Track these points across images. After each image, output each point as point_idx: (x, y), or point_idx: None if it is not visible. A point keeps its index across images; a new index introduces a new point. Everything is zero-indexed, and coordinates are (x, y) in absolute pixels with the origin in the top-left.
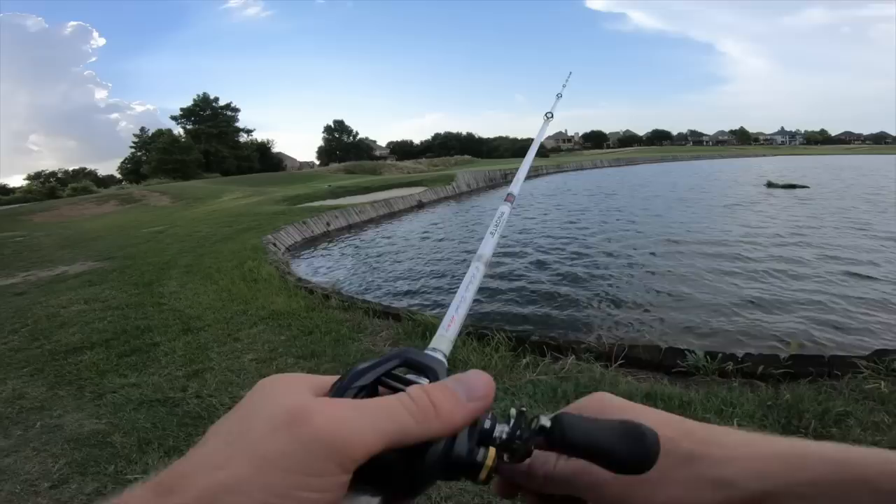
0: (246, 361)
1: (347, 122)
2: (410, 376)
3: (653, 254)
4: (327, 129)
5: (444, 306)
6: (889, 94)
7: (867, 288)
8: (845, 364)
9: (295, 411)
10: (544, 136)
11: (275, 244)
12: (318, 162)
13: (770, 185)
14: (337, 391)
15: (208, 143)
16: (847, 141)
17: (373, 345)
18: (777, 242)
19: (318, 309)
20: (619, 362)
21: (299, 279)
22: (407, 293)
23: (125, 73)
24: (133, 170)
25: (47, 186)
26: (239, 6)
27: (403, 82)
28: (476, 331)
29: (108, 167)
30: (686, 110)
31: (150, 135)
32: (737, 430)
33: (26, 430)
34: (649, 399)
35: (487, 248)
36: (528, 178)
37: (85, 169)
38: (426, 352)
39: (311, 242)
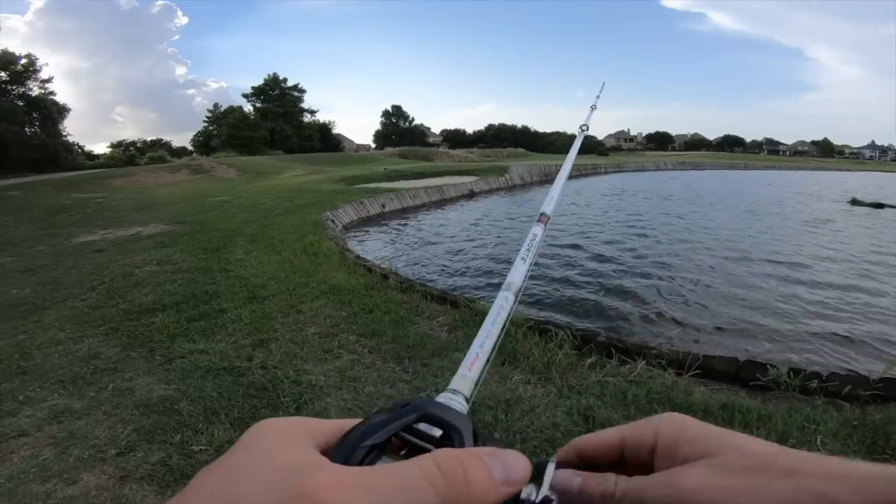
0: (309, 334)
1: (404, 108)
2: (424, 426)
3: (721, 263)
4: (385, 114)
5: (489, 295)
6: None
7: None
8: None
9: (297, 486)
10: (576, 150)
11: (333, 221)
12: (374, 145)
13: (854, 202)
14: (344, 449)
15: (274, 121)
16: None
17: (430, 329)
18: (858, 263)
19: (376, 288)
20: (692, 372)
21: (358, 257)
22: (457, 279)
23: (203, 50)
24: (204, 143)
25: (127, 154)
26: None
27: (460, 71)
28: (538, 325)
29: (181, 139)
30: (763, 117)
31: (221, 111)
32: (830, 457)
33: (99, 391)
34: (725, 410)
35: (518, 275)
36: (587, 175)
37: (161, 140)
38: (446, 395)
39: (366, 222)
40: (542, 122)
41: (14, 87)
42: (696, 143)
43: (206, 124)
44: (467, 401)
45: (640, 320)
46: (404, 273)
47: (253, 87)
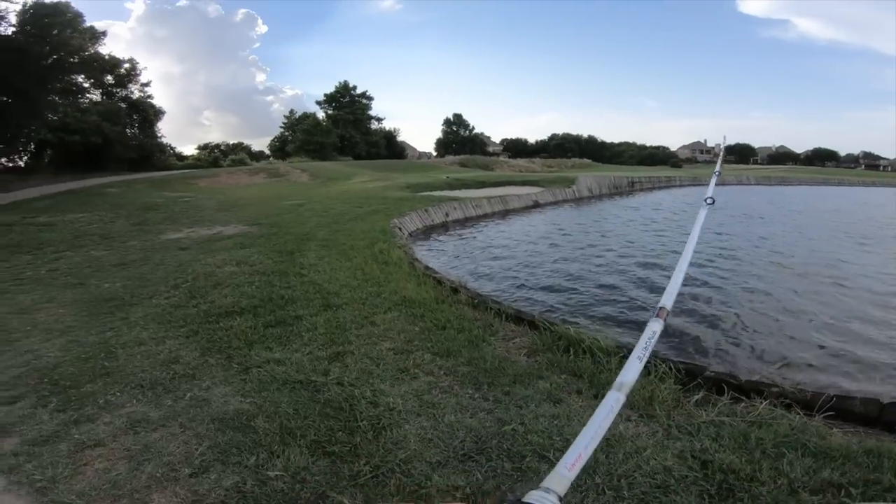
0: (384, 350)
1: (464, 117)
2: None
3: (824, 291)
4: (446, 122)
5: (566, 317)
6: None
7: None
8: None
9: None
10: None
11: (400, 228)
12: (435, 153)
13: None
14: None
15: (344, 128)
16: None
17: (507, 352)
18: None
19: (447, 302)
20: (824, 413)
21: (427, 267)
22: (527, 296)
23: (279, 58)
24: (280, 147)
25: (212, 156)
26: None
27: (522, 79)
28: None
29: (260, 143)
30: (859, 129)
31: (296, 117)
32: None
33: (176, 400)
34: (870, 456)
35: (631, 374)
36: (657, 188)
37: (242, 143)
38: (539, 493)
39: (430, 230)
40: (609, 131)
41: (118, 90)
42: (781, 157)
43: (282, 129)
44: (560, 501)
45: (736, 353)
46: (473, 286)
47: (325, 95)
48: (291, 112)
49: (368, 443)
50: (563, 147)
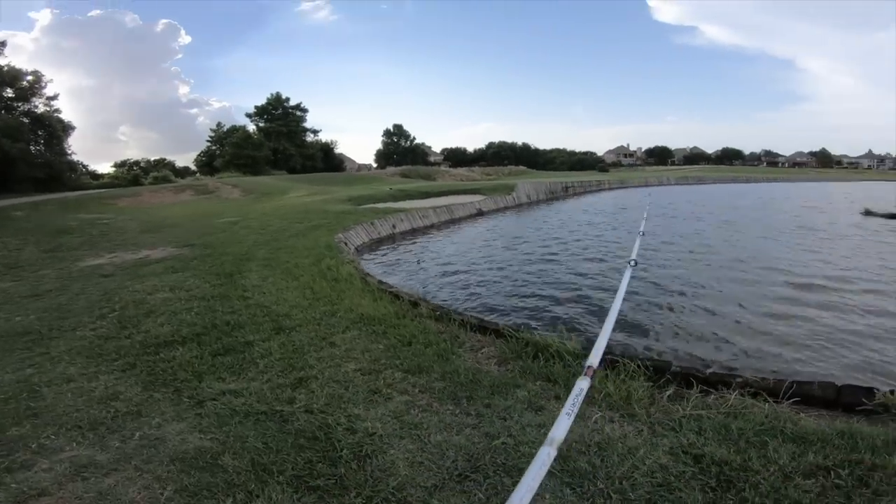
0: (350, 371)
1: (405, 128)
2: None
3: (750, 283)
4: (386, 133)
5: (528, 322)
6: None
7: None
8: None
9: None
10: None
11: (346, 243)
12: (375, 165)
13: (868, 213)
14: None
15: (277, 141)
16: None
17: (477, 363)
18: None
19: (408, 316)
20: (789, 399)
21: (381, 282)
22: (485, 304)
23: (205, 70)
24: (207, 162)
25: (131, 174)
26: (310, 9)
27: (460, 90)
28: (603, 356)
29: (184, 159)
30: (760, 129)
31: (224, 130)
32: None
33: (124, 441)
34: (844, 438)
35: (560, 430)
36: (588, 192)
37: (165, 159)
38: None
39: (377, 243)
40: (542, 138)
41: (20, 104)
42: (694, 157)
43: (209, 144)
44: None
45: (686, 346)
46: (431, 298)
47: (256, 107)
48: (219, 125)
49: (354, 473)
50: (500, 155)
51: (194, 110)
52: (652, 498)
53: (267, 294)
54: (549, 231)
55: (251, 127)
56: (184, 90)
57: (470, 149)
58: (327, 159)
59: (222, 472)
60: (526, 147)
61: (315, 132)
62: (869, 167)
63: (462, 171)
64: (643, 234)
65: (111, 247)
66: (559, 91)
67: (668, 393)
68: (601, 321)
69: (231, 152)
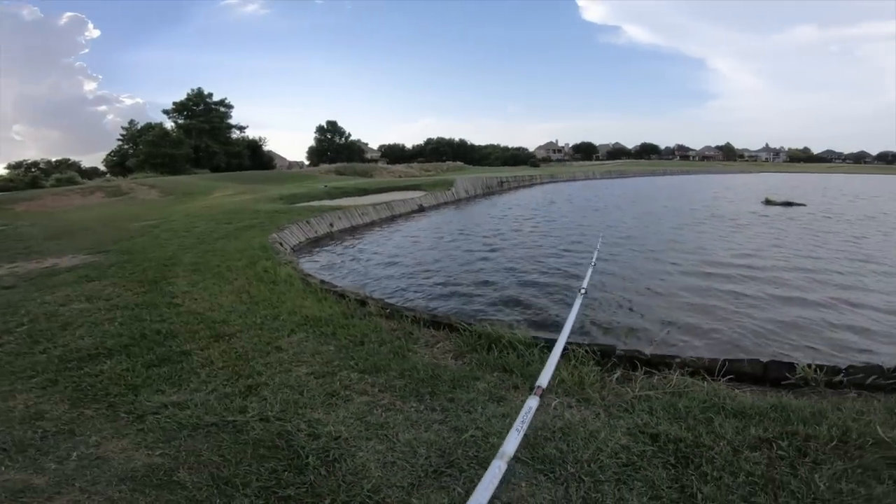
0: (302, 375)
1: (340, 124)
2: None
3: (679, 272)
4: (319, 130)
5: (478, 315)
6: (869, 113)
7: None
8: None
9: None
10: (575, 311)
11: (281, 243)
12: (307, 162)
13: (768, 202)
14: None
15: (199, 138)
16: (828, 159)
17: (435, 358)
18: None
19: (356, 316)
20: (724, 376)
21: (323, 282)
22: (435, 299)
23: (117, 65)
24: (118, 162)
25: (29, 176)
26: (238, 2)
27: (396, 86)
28: (550, 344)
29: (92, 160)
30: (674, 125)
31: (138, 128)
32: None
33: (61, 462)
34: (777, 411)
35: (511, 445)
36: (522, 186)
37: (69, 160)
38: None
39: (315, 243)
40: (478, 134)
41: None
42: (617, 152)
43: (120, 143)
44: None
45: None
46: (379, 296)
47: (175, 103)
48: (132, 123)
49: (324, 479)
50: (439, 151)
51: (102, 107)
52: (621, 478)
53: (199, 300)
54: (490, 224)
55: (169, 124)
56: (90, 86)
57: (408, 145)
58: (255, 157)
59: (181, 489)
60: (463, 143)
61: (241, 129)
62: (766, 160)
63: (400, 167)
64: (594, 265)
65: (10, 255)
66: (495, 87)
67: (616, 376)
68: (550, 302)
69: (146, 151)
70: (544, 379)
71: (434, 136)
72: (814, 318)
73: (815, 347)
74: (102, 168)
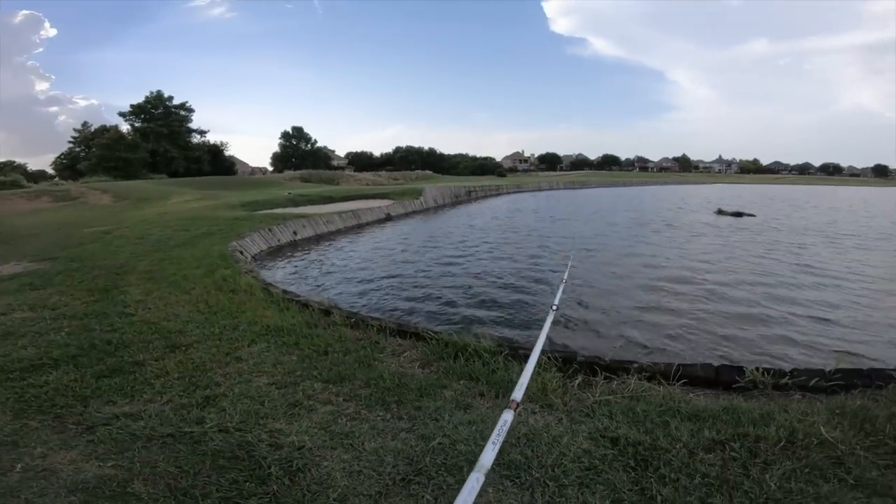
0: (263, 386)
1: (306, 130)
2: None
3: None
4: (284, 136)
5: (444, 325)
6: (814, 125)
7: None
8: (883, 376)
9: None
10: (547, 328)
11: (241, 252)
12: (271, 168)
13: (720, 212)
14: None
15: (157, 142)
16: (776, 171)
17: (401, 367)
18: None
19: (320, 325)
20: (678, 381)
21: (285, 291)
22: (402, 308)
23: (74, 65)
24: (69, 165)
25: None
26: (205, 5)
27: (367, 94)
28: (514, 351)
29: (40, 162)
30: (634, 136)
31: (92, 130)
32: None
33: (4, 474)
34: (728, 413)
35: (488, 457)
36: (489, 196)
37: (13, 162)
38: None
39: (277, 251)
40: (448, 143)
41: None
42: (579, 163)
43: (71, 145)
44: None
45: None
46: (344, 306)
47: (132, 106)
48: (85, 125)
49: (288, 489)
50: (408, 159)
51: (54, 108)
52: (584, 481)
53: (154, 310)
54: (458, 232)
55: (125, 127)
56: (42, 86)
57: (377, 153)
58: (216, 162)
59: (136, 501)
60: (432, 152)
61: (202, 133)
62: (719, 171)
63: (368, 175)
64: (565, 282)
65: None
66: (465, 96)
67: (577, 381)
68: (516, 308)
69: (99, 154)
70: (518, 393)
71: (403, 144)
72: (761, 325)
73: (764, 352)
74: (51, 171)
